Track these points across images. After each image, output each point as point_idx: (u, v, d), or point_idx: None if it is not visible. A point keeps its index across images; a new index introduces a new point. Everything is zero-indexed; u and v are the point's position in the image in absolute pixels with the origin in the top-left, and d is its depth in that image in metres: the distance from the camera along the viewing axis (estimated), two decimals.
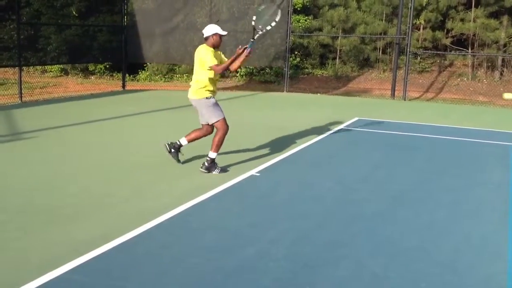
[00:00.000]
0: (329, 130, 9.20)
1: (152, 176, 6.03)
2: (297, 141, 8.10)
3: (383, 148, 8.03)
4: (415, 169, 6.76)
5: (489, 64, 19.02)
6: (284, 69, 15.93)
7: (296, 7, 18.20)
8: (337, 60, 20.40)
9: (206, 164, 6.25)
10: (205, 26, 6.34)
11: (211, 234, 4.35)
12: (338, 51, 20.25)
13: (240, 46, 6.18)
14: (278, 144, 7.91)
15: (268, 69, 18.25)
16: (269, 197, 5.45)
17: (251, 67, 18.22)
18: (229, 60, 6.21)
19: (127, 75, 15.54)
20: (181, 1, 14.90)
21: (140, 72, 18.27)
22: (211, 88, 6.30)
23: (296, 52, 19.28)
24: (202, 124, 6.47)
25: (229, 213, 4.92)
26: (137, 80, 17.71)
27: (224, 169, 6.32)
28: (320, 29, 19.76)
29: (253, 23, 6.40)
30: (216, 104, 6.32)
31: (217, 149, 6.26)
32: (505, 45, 17.97)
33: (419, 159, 7.37)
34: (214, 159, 6.27)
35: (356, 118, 10.66)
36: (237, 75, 18.75)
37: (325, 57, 20.70)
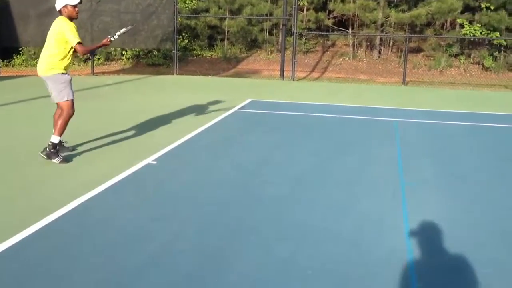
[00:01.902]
0: (222, 113, 9.11)
1: (38, 172, 5.54)
2: (191, 126, 7.91)
3: (278, 129, 8.10)
4: (312, 150, 6.88)
5: (368, 43, 20.04)
6: (173, 51, 15.56)
7: None
8: (226, 41, 20.36)
9: (47, 150, 5.78)
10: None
11: (111, 230, 4.07)
12: (226, 32, 20.20)
13: (108, 37, 5.98)
14: (172, 130, 7.68)
15: (155, 51, 17.74)
16: (168, 186, 5.24)
17: (137, 50, 17.59)
18: (96, 45, 6.09)
19: (0, 60, 14.28)
20: None
21: (15, 57, 16.92)
22: (66, 63, 5.86)
23: (183, 34, 18.95)
24: (57, 104, 5.95)
25: (128, 206, 4.64)
26: (12, 66, 16.40)
27: (66, 159, 5.87)
28: (207, 10, 19.56)
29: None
30: (69, 82, 5.89)
31: (61, 132, 5.81)
32: (382, 25, 18.98)
33: (314, 139, 7.52)
34: (56, 144, 5.81)
35: (249, 100, 10.67)
36: (123, 57, 18.02)
37: (213, 38, 20.58)
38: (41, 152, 5.80)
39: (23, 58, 16.99)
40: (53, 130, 5.96)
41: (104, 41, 6.00)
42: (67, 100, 5.85)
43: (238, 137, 7.55)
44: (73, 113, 5.92)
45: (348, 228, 4.25)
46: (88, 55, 6.29)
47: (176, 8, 15.16)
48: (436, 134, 8.12)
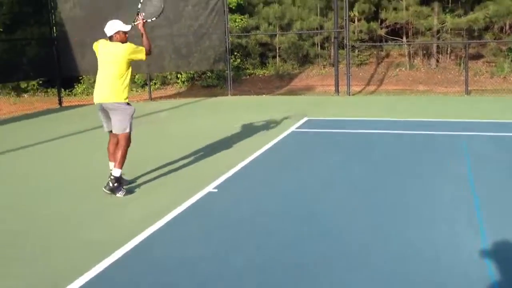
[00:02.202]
0: (280, 133, 8.94)
1: (100, 205, 5.53)
2: (250, 149, 7.78)
3: (339, 149, 7.85)
4: (378, 171, 6.58)
5: (425, 52, 19.43)
6: (226, 71, 15.59)
7: (230, 6, 17.84)
8: (277, 58, 20.28)
9: (110, 184, 5.69)
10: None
11: (176, 268, 3.96)
12: (277, 49, 20.13)
13: (138, 19, 5.98)
14: (230, 154, 7.58)
15: (209, 72, 17.85)
16: (231, 216, 5.11)
17: (191, 72, 17.77)
18: (145, 35, 5.96)
19: (62, 90, 14.74)
20: (112, 6, 14.22)
21: (76, 86, 17.44)
22: (128, 91, 5.86)
23: (235, 53, 18.99)
24: (111, 134, 5.94)
25: (191, 240, 4.53)
26: (74, 95, 16.89)
27: (130, 191, 5.83)
28: (257, 28, 19.57)
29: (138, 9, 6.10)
30: (132, 114, 5.86)
31: (121, 164, 5.74)
32: (438, 32, 18.37)
33: (379, 159, 7.22)
34: (119, 177, 5.73)
35: (305, 119, 10.48)
36: (178, 81, 18.25)
37: (265, 56, 20.54)
38: (105, 188, 5.75)
39: (84, 86, 17.47)
40: (111, 163, 5.92)
41: (140, 26, 5.97)
42: (129, 132, 5.85)
43: (299, 160, 7.35)
44: (130, 144, 5.90)
45: (426, 256, 3.96)
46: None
47: (227, 28, 15.21)
48: (510, 147, 7.65)
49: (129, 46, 5.80)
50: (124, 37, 5.85)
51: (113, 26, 5.82)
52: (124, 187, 5.89)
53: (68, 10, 13.94)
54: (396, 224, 4.73)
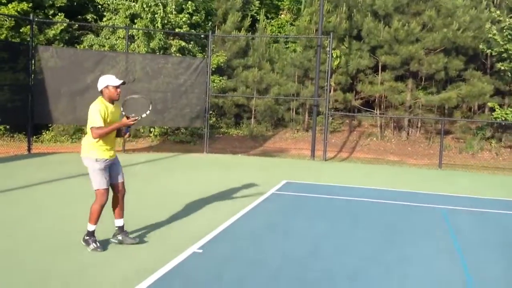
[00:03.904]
0: (260, 196, 8.77)
1: (78, 262, 5.16)
2: (232, 210, 7.57)
3: (321, 216, 7.72)
4: (361, 240, 6.46)
5: (395, 124, 19.92)
6: (203, 129, 15.51)
7: (211, 67, 18.05)
8: (252, 119, 20.41)
9: (84, 236, 5.59)
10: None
11: None
12: (253, 111, 20.30)
13: (133, 115, 5.50)
14: (212, 214, 7.34)
15: (183, 129, 17.75)
16: (219, 280, 4.83)
17: (165, 127, 17.63)
18: (111, 127, 5.50)
19: (31, 138, 14.26)
20: (91, 60, 14.13)
21: (44, 133, 16.98)
22: (104, 147, 5.57)
23: (211, 112, 19.01)
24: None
25: None
26: (41, 142, 16.39)
27: (101, 247, 5.55)
28: (235, 90, 19.77)
29: (123, 112, 5.68)
30: (102, 170, 5.55)
31: (94, 220, 5.53)
32: (410, 107, 18.92)
33: (361, 227, 7.11)
34: (92, 232, 5.56)
35: (284, 181, 10.38)
36: (151, 135, 18.05)
37: (239, 116, 20.66)
38: (82, 240, 5.58)
39: (52, 134, 17.02)
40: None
41: (125, 120, 5.50)
42: (98, 189, 5.58)
43: (282, 224, 7.15)
44: (106, 200, 5.60)
45: None
46: (125, 132, 5.83)
47: (208, 88, 15.28)
48: (491, 223, 7.68)
49: (96, 105, 5.51)
50: (114, 92, 5.59)
51: (103, 80, 5.61)
52: (131, 240, 5.81)
53: (46, 59, 13.74)
54: None
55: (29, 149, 13.34)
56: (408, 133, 19.41)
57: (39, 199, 8.06)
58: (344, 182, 10.83)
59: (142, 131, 18.25)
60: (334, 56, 18.78)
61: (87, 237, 5.55)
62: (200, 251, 5.64)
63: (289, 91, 19.53)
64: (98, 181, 5.55)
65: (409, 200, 9.15)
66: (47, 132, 17.16)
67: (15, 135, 16.19)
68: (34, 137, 16.13)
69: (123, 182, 5.83)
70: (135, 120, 5.50)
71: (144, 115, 5.63)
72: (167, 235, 6.25)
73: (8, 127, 16.13)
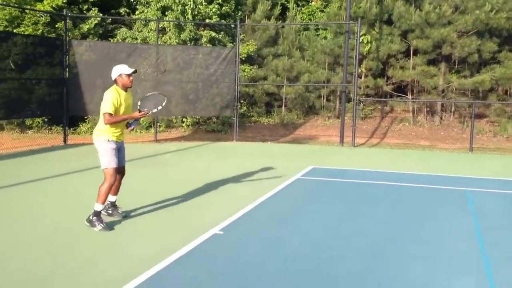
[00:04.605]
0: (285, 180, 8.94)
1: (104, 243, 5.47)
2: (256, 194, 7.77)
3: (344, 199, 7.84)
4: (381, 221, 6.56)
5: (428, 109, 19.66)
6: (233, 118, 15.75)
7: (241, 56, 18.21)
8: (283, 108, 20.51)
9: (90, 217, 5.85)
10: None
11: None
12: (284, 99, 20.40)
13: (146, 109, 5.96)
14: (237, 198, 7.56)
15: (214, 118, 18.03)
16: (237, 259, 5.05)
17: (197, 117, 17.96)
18: (122, 117, 5.92)
19: (67, 128, 14.82)
20: (124, 52, 14.54)
21: (80, 125, 17.56)
22: (114, 131, 5.94)
23: (242, 101, 19.22)
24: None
25: (196, 283, 4.47)
26: (78, 133, 16.97)
27: (109, 227, 5.86)
28: (265, 78, 19.89)
29: (138, 106, 6.10)
30: (113, 150, 5.91)
31: (102, 200, 5.84)
32: (443, 91, 18.65)
33: (382, 209, 7.20)
34: (99, 212, 5.85)
35: (310, 167, 10.50)
36: (183, 125, 18.40)
37: (270, 105, 20.80)
38: (86, 220, 5.90)
39: (89, 125, 17.58)
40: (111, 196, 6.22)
41: (137, 114, 5.94)
42: (107, 167, 5.89)
43: (303, 207, 7.32)
44: (114, 181, 5.96)
45: None
46: (129, 126, 6.21)
47: (237, 77, 15.48)
48: None
49: (109, 93, 5.88)
50: (127, 80, 5.95)
51: (116, 69, 5.98)
52: (118, 214, 6.13)
53: (81, 53, 14.23)
54: (403, 275, 4.67)
55: (65, 140, 13.87)
56: (441, 118, 19.15)
57: (69, 188, 8.45)
58: (371, 166, 10.87)
59: (175, 121, 18.61)
60: (365, 42, 18.66)
61: (94, 218, 5.82)
62: (221, 232, 5.86)
63: (319, 78, 19.52)
64: (108, 160, 5.88)
65: (434, 183, 9.14)
66: (84, 124, 17.74)
67: (53, 128, 16.81)
68: (72, 129, 16.74)
69: (124, 166, 6.28)
70: (145, 114, 5.94)
71: (155, 110, 6.09)
72: (189, 217, 6.51)
73: (46, 119, 16.74)
